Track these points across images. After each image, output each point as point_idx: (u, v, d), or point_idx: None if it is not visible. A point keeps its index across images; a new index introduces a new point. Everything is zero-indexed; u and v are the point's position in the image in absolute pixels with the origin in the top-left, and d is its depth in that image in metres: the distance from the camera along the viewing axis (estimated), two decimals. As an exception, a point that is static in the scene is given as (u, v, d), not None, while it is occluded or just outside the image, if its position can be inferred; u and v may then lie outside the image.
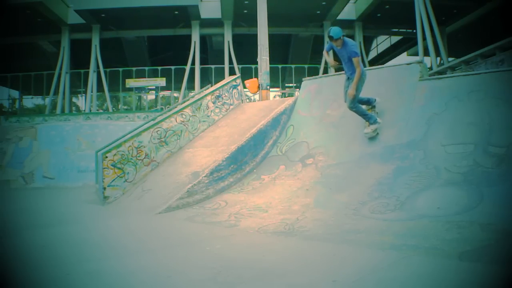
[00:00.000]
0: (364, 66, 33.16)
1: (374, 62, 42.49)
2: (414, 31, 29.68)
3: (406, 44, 40.66)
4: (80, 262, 4.83)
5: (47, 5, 31.41)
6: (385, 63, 37.98)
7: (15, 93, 42.34)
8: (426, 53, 27.50)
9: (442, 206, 5.81)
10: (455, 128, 7.29)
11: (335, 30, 7.95)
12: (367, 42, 40.85)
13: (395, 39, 41.82)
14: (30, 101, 43.76)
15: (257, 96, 15.90)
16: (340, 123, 9.19)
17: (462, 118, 7.32)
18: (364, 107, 8.64)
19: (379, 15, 34.42)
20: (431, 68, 26.51)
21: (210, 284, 3.89)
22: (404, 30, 38.24)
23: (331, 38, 7.98)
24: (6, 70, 39.02)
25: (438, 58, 28.00)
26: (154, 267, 4.53)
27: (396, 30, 39.24)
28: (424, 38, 27.02)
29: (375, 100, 8.75)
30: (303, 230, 5.86)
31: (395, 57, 43.83)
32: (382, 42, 44.07)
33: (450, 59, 28.42)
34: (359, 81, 8.00)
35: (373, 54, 45.20)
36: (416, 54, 31.41)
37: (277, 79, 36.48)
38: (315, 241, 5.36)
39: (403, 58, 42.55)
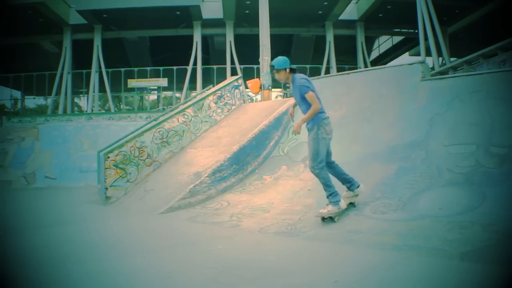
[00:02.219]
0: (366, 66, 33.14)
1: (376, 62, 42.53)
2: (416, 31, 29.71)
3: (408, 44, 40.68)
4: (82, 262, 4.84)
5: (48, 5, 31.53)
6: (387, 63, 38.13)
7: (17, 94, 42.44)
8: (428, 53, 27.52)
9: (444, 206, 5.81)
10: (457, 128, 7.28)
11: (277, 60, 6.65)
12: (369, 43, 40.91)
13: (397, 39, 41.82)
14: (32, 102, 43.88)
15: (259, 97, 15.93)
16: (341, 124, 9.16)
17: (464, 118, 7.31)
18: (344, 193, 6.72)
19: (380, 15, 34.46)
20: (433, 68, 26.51)
21: (211, 284, 3.90)
22: (406, 30, 38.27)
23: (272, 67, 6.67)
24: (8, 70, 39.11)
25: (440, 58, 28.03)
26: (156, 267, 4.54)
27: (398, 30, 39.28)
28: (426, 38, 27.05)
29: (358, 185, 6.70)
30: (305, 231, 5.87)
31: (397, 57, 43.87)
32: (384, 42, 44.07)
33: (452, 59, 28.47)
34: (319, 131, 6.31)
35: (375, 54, 45.25)
36: (418, 54, 31.42)
37: (279, 79, 36.43)
38: (316, 242, 5.37)
39: (405, 58, 42.59)
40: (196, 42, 35.60)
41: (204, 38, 36.90)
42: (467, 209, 5.55)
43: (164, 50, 39.72)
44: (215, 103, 12.67)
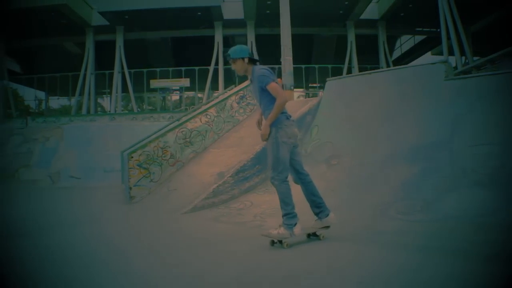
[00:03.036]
0: (388, 66, 32.89)
1: (398, 61, 42.25)
2: (438, 30, 29.42)
3: (430, 43, 40.31)
4: (105, 262, 4.92)
5: (71, 7, 31.95)
6: (409, 63, 37.86)
7: (41, 94, 43.02)
8: (451, 52, 27.23)
9: (469, 207, 5.78)
10: (481, 128, 7.21)
11: (234, 48, 5.67)
12: (391, 42, 40.64)
13: (419, 38, 41.48)
14: (56, 102, 44.44)
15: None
16: (364, 124, 9.15)
17: (488, 118, 7.24)
18: (313, 223, 5.60)
19: (402, 14, 34.22)
20: (456, 68, 26.27)
21: (235, 284, 3.93)
22: (428, 29, 37.93)
23: (227, 56, 5.68)
24: (33, 71, 39.68)
25: (463, 58, 27.72)
26: (179, 267, 4.58)
27: (420, 29, 38.94)
28: (449, 37, 26.78)
29: (327, 214, 5.52)
30: (328, 231, 5.86)
31: (419, 56, 43.50)
32: (406, 42, 43.76)
33: (475, 58, 28.12)
34: (277, 133, 5.29)
35: (397, 53, 44.93)
36: (441, 53, 31.10)
37: (301, 79, 36.48)
38: (340, 242, 5.35)
39: (427, 57, 42.21)
40: (218, 43, 35.75)
41: (226, 39, 37.01)
42: (493, 211, 5.52)
43: (185, 51, 39.94)
44: (238, 103, 12.73)
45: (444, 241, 4.89)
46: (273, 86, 5.35)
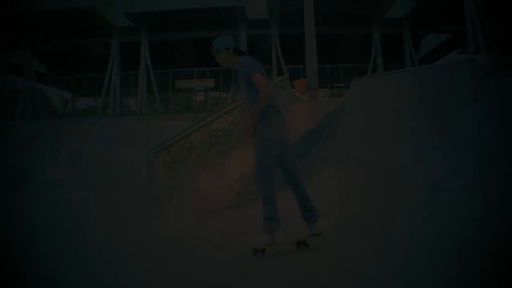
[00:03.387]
0: (413, 65, 32.53)
1: (424, 60, 41.78)
2: (465, 28, 29.07)
3: (456, 42, 39.81)
4: (128, 260, 4.98)
5: (96, 9, 32.41)
6: (435, 62, 37.39)
7: (67, 95, 43.60)
8: (477, 51, 26.88)
9: (497, 208, 5.72)
10: (508, 127, 7.13)
11: (218, 38, 5.50)
12: (416, 41, 40.26)
13: (444, 36, 41.03)
14: (82, 103, 44.97)
15: (305, 96, 15.92)
16: (389, 123, 9.08)
17: (517, 117, 7.15)
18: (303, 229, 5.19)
19: (427, 13, 33.88)
20: (482, 66, 25.93)
21: (259, 282, 3.95)
22: (454, 27, 37.48)
23: (211, 48, 5.49)
24: (59, 72, 40.24)
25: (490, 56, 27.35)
26: (204, 266, 4.61)
27: (446, 28, 38.51)
28: (475, 36, 26.45)
29: (316, 220, 5.08)
30: (355, 232, 5.85)
31: (445, 55, 42.97)
32: (432, 41, 43.31)
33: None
34: (266, 129, 4.88)
35: (422, 52, 44.47)
36: (467, 52, 30.76)
37: (325, 79, 36.36)
38: (367, 243, 5.35)
39: (453, 56, 41.74)
40: (242, 43, 35.80)
41: (249, 39, 37.06)
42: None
43: (210, 51, 40.10)
44: (263, 102, 12.72)
45: (471, 243, 4.84)
46: (257, 78, 4.94)
